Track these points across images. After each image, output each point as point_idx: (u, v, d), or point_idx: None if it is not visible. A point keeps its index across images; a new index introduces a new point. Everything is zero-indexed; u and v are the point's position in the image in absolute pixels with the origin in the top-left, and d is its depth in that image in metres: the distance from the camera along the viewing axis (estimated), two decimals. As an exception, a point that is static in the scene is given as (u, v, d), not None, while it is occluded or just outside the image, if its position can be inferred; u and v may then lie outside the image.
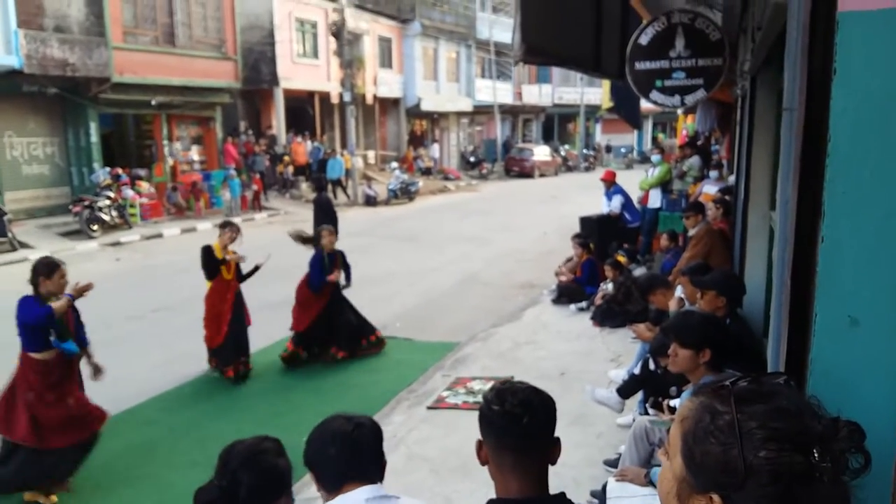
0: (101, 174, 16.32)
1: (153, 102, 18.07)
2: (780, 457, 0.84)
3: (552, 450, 1.61)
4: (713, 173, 9.58)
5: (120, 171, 16.87)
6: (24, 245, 13.84)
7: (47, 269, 4.79)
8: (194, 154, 20.40)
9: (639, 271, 9.00)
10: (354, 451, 1.94)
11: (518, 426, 1.56)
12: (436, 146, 32.90)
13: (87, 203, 15.17)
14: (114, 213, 15.73)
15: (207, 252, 6.68)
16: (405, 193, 22.99)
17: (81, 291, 4.84)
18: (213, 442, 5.38)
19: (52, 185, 16.98)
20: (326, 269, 7.16)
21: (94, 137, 17.10)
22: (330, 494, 1.93)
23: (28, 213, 15.98)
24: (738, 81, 6.55)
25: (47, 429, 4.55)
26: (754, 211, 5.42)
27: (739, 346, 3.53)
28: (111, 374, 6.85)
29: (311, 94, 24.57)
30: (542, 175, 32.73)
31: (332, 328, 7.25)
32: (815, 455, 0.85)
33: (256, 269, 6.98)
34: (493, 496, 1.63)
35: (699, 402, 0.94)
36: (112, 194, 15.90)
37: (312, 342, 7.23)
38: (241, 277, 6.92)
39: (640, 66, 5.67)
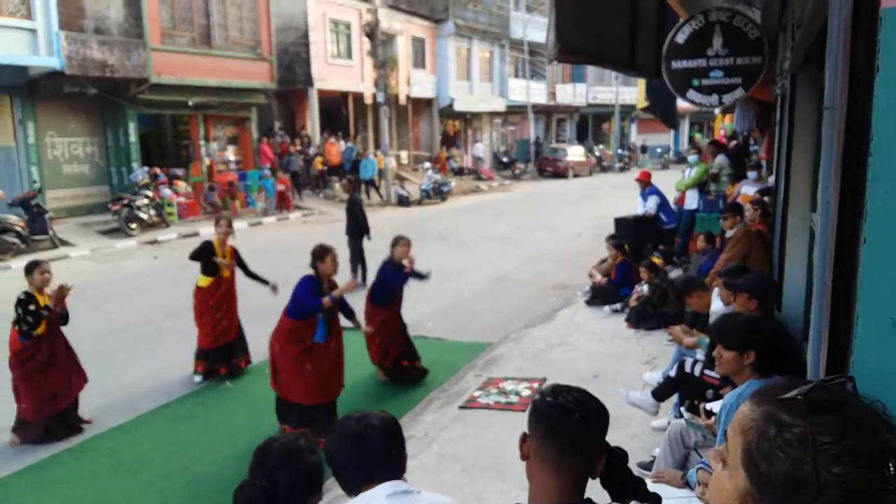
0: (140, 174, 16.69)
1: (190, 103, 18.40)
2: (855, 472, 0.81)
3: (597, 460, 1.59)
4: (752, 174, 9.40)
5: (158, 170, 17.23)
6: (64, 243, 14.21)
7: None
8: (230, 154, 20.73)
9: (675, 273, 8.88)
10: (365, 450, 1.95)
11: (568, 421, 1.56)
12: (479, 145, 33.17)
13: (125, 202, 15.53)
14: (152, 212, 16.06)
15: (208, 248, 6.82)
16: (437, 193, 23.05)
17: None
18: (247, 437, 5.51)
19: (92, 185, 17.40)
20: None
21: (133, 137, 17.49)
22: (350, 493, 1.95)
23: (69, 211, 16.41)
24: (777, 80, 6.43)
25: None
26: (794, 212, 5.32)
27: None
28: (150, 368, 7.06)
29: (344, 95, 24.78)
30: (575, 175, 32.52)
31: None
32: (892, 469, 0.81)
33: (264, 281, 6.94)
34: (525, 497, 1.61)
35: (762, 411, 0.90)
36: (150, 193, 16.25)
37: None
38: (250, 273, 7.01)
39: (676, 64, 5.61)
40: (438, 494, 2.02)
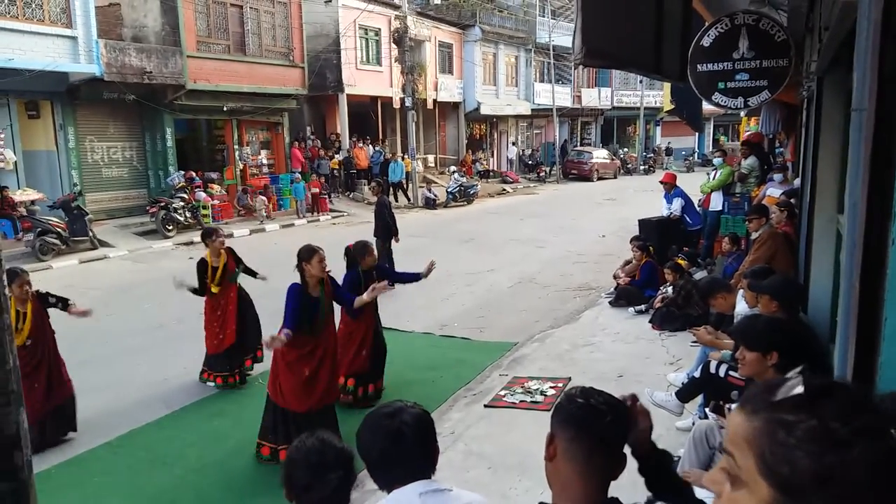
0: (176, 177, 17.06)
1: (225, 108, 18.76)
2: (871, 447, 0.82)
3: (620, 462, 1.60)
4: (777, 176, 9.35)
5: (193, 174, 17.58)
6: (104, 244, 14.57)
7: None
8: (263, 158, 21.08)
9: (699, 275, 8.87)
10: (400, 447, 1.91)
11: (600, 423, 1.57)
12: (513, 148, 33.39)
13: (162, 204, 15.89)
14: (187, 214, 16.40)
15: (201, 266, 6.76)
16: (464, 196, 23.16)
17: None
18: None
19: (130, 188, 17.83)
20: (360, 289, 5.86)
21: (170, 142, 17.89)
22: (384, 489, 1.94)
23: (108, 213, 16.83)
24: (803, 83, 6.42)
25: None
26: (820, 214, 5.32)
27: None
28: (184, 365, 7.26)
29: (373, 100, 25.03)
30: (600, 178, 32.41)
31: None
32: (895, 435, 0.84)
33: (255, 274, 7.03)
34: (549, 496, 1.62)
35: (762, 418, 0.88)
36: (186, 196, 16.60)
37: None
38: (248, 270, 7.02)
39: (702, 67, 5.65)
40: (470, 493, 1.99)
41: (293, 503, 2.19)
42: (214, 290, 6.77)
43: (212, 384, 6.77)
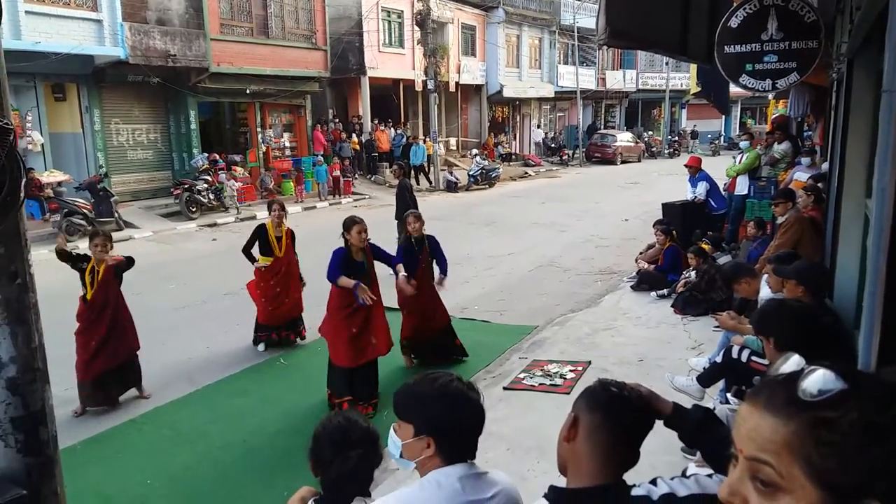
0: (200, 159, 17.22)
1: (248, 91, 18.84)
2: None
3: (636, 456, 1.62)
4: (805, 160, 9.20)
5: (217, 156, 17.76)
6: (129, 225, 14.79)
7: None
8: (286, 141, 21.18)
9: (723, 260, 8.77)
10: (478, 422, 1.84)
11: (628, 413, 1.59)
12: (539, 131, 33.29)
13: (186, 186, 16.06)
14: (211, 196, 16.56)
15: (260, 230, 7.22)
16: (485, 179, 23.08)
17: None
18: (300, 413, 5.74)
19: (154, 170, 18.04)
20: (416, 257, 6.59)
21: (194, 124, 18.03)
22: (444, 461, 1.81)
23: (133, 195, 17.04)
24: (833, 64, 6.27)
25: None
26: (848, 198, 5.21)
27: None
28: (207, 345, 7.37)
29: (395, 83, 24.97)
30: (624, 161, 32.06)
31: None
32: None
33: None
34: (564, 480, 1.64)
35: (799, 420, 0.84)
36: (209, 178, 16.75)
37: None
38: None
39: (729, 49, 5.55)
40: (501, 474, 1.92)
41: (317, 478, 2.23)
42: (279, 253, 7.15)
43: (261, 347, 7.15)
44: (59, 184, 14.37)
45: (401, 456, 1.87)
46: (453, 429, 1.81)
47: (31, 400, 2.30)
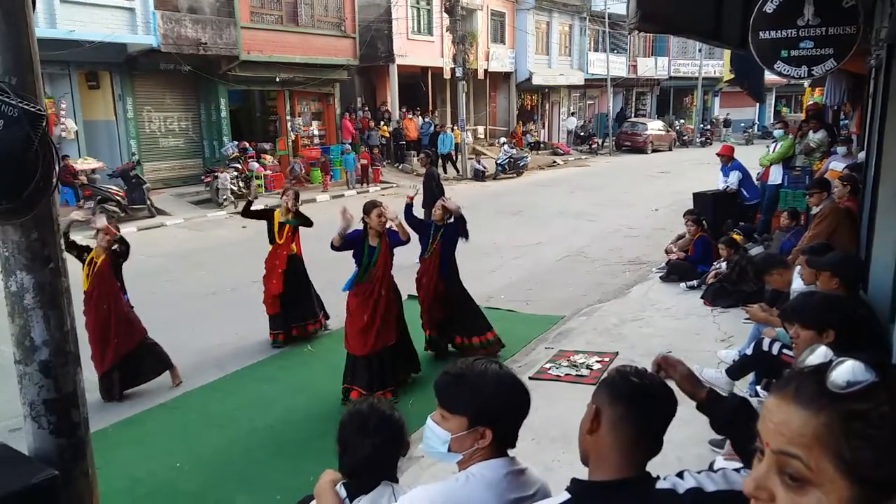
0: (230, 147, 17.40)
1: (277, 79, 18.95)
2: None
3: (659, 446, 1.59)
4: (841, 149, 8.98)
5: (247, 144, 17.91)
6: (161, 212, 15.02)
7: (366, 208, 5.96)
8: (314, 129, 21.29)
9: (755, 250, 8.62)
10: (528, 408, 1.80)
11: (652, 405, 1.57)
12: (572, 119, 33.09)
13: (216, 174, 16.25)
14: (241, 184, 16.74)
15: (268, 212, 7.21)
16: (513, 168, 22.96)
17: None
18: (327, 400, 5.79)
19: (186, 157, 18.28)
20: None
21: (224, 112, 18.22)
22: (494, 452, 1.76)
23: (165, 182, 17.28)
24: (872, 51, 6.10)
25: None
26: (885, 188, 5.09)
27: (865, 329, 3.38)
28: (237, 331, 7.47)
29: (424, 70, 24.91)
30: (655, 150, 31.61)
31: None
32: None
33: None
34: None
35: (828, 413, 0.83)
36: (239, 166, 16.91)
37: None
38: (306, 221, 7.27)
39: (764, 35, 5.40)
40: (535, 470, 1.87)
41: (345, 463, 2.24)
42: (279, 241, 7.11)
43: (277, 347, 7.11)
44: (93, 171, 14.63)
45: (449, 450, 1.78)
46: (510, 418, 1.76)
47: (64, 382, 2.35)
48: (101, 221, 5.91)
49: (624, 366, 1.67)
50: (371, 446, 2.12)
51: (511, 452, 1.83)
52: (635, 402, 1.55)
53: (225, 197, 16.05)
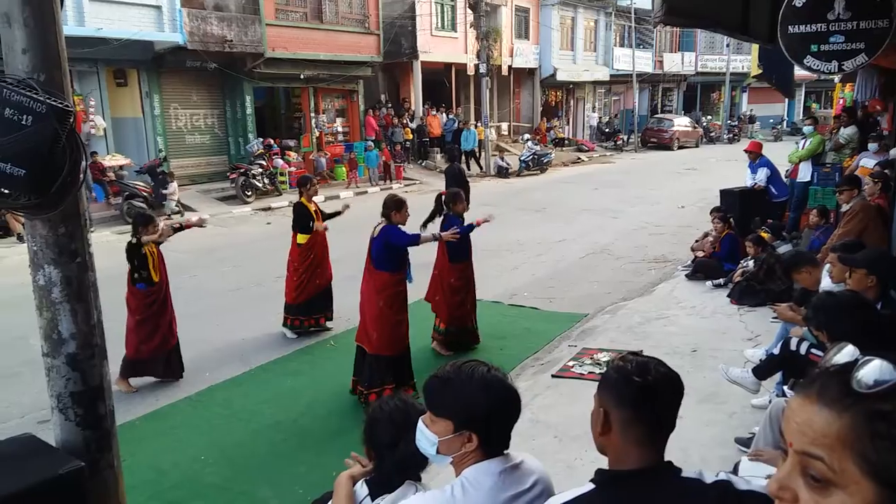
0: (255, 144, 17.54)
1: (302, 76, 19.05)
2: None
3: (672, 428, 1.58)
4: (872, 146, 8.79)
5: (271, 141, 18.04)
6: (187, 208, 15.19)
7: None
8: (338, 126, 21.39)
9: (784, 248, 8.48)
10: (518, 411, 1.81)
11: (660, 402, 1.55)
12: (594, 115, 33.02)
13: (242, 170, 16.38)
14: (265, 181, 16.87)
15: (303, 208, 7.20)
16: (537, 164, 22.86)
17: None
18: (350, 394, 5.79)
19: (211, 154, 18.47)
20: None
21: (249, 110, 18.36)
22: (484, 455, 1.76)
23: (191, 178, 17.48)
24: (906, 44, 5.95)
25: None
26: (919, 186, 4.97)
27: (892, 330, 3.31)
28: (261, 326, 7.52)
29: (447, 67, 24.88)
30: (681, 147, 31.31)
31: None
32: None
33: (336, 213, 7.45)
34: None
35: (852, 414, 0.81)
36: (264, 163, 17.05)
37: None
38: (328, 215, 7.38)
39: (793, 29, 5.30)
40: (534, 460, 1.88)
41: (373, 461, 2.21)
42: (320, 229, 7.24)
43: (292, 335, 7.17)
44: (121, 167, 14.85)
45: (437, 452, 1.78)
46: (497, 422, 1.74)
47: (91, 375, 2.38)
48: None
49: (622, 360, 1.62)
50: (404, 445, 2.11)
51: (533, 449, 1.81)
52: (642, 404, 1.54)
53: (249, 192, 16.22)
